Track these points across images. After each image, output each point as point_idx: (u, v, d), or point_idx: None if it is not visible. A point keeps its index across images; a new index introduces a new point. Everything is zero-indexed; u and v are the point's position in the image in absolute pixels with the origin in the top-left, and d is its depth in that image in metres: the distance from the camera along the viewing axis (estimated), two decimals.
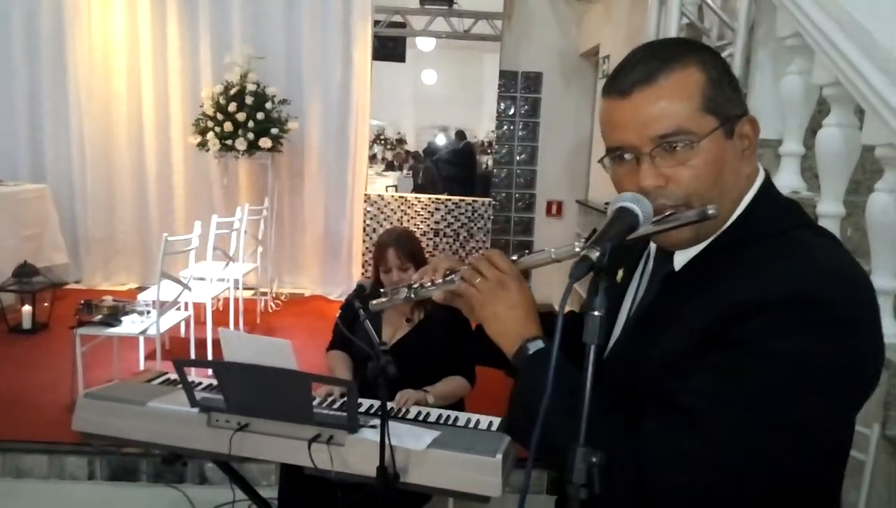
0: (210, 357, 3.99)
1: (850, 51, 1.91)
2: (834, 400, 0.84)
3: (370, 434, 1.78)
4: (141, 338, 3.57)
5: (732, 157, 0.93)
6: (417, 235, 2.81)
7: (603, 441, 0.76)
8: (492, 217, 5.94)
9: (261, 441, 1.83)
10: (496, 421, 2.08)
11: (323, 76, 5.73)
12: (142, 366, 3.78)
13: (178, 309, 3.93)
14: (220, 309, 4.93)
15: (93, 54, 5.66)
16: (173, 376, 2.18)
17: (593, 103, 5.91)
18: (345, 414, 1.84)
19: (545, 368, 0.78)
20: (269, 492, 2.33)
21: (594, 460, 0.75)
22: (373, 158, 6.10)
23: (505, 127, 6.15)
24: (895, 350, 1.80)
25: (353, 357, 2.51)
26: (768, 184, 0.98)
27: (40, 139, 5.73)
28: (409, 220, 5.86)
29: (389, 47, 6.03)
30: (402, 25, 5.95)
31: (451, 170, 6.22)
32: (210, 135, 5.10)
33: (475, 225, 5.90)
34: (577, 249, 0.97)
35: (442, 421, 2.07)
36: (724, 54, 2.48)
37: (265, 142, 5.09)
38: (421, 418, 2.10)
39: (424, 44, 6.03)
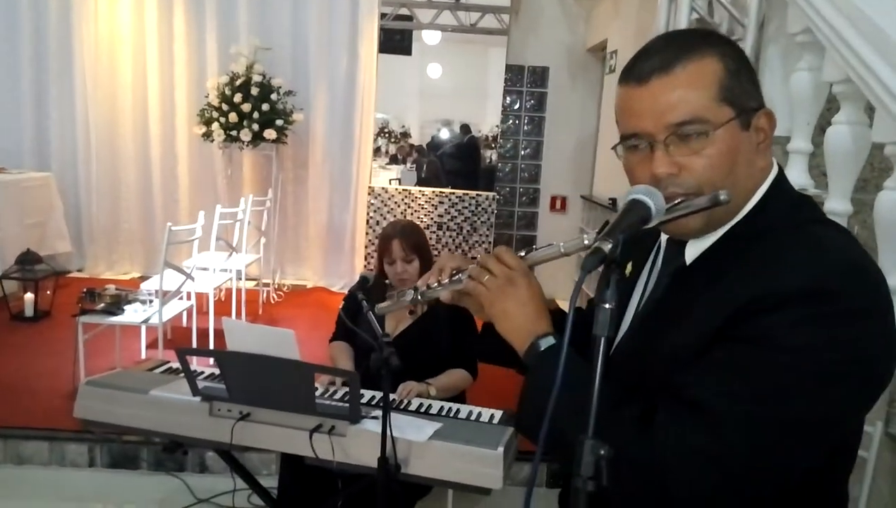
0: (212, 347, 3.99)
1: (862, 47, 1.89)
2: (848, 393, 0.83)
3: (372, 426, 1.78)
4: (143, 327, 3.57)
5: (747, 149, 0.92)
6: None
7: (614, 435, 0.76)
8: (495, 211, 5.93)
9: (262, 430, 1.83)
10: (497, 413, 2.08)
11: (329, 68, 5.72)
12: (143, 355, 3.78)
13: (181, 298, 3.93)
14: (223, 299, 4.94)
15: (99, 43, 5.65)
16: (175, 365, 2.18)
17: (599, 99, 5.89)
18: (347, 404, 1.84)
19: (557, 364, 0.78)
20: (270, 482, 2.33)
21: (602, 452, 0.74)
22: (376, 151, 6.09)
23: (510, 121, 6.13)
24: None
25: (355, 348, 2.50)
26: (782, 179, 0.97)
27: (46, 127, 5.73)
28: (412, 214, 5.85)
29: (395, 40, 6.01)
30: (409, 18, 5.92)
31: (454, 164, 6.20)
32: (215, 125, 5.10)
33: (479, 219, 5.89)
34: (587, 242, 0.96)
35: (444, 414, 2.07)
36: None
37: (270, 134, 5.09)
38: (423, 410, 2.09)
39: (431, 37, 6.01)
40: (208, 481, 2.93)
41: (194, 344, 3.99)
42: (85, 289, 3.51)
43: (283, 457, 2.23)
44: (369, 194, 5.84)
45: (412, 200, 5.88)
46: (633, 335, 1.02)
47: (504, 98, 6.01)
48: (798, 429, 0.82)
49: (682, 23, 2.86)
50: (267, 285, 5.48)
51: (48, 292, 4.68)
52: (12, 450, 3.01)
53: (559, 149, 6.11)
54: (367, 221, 5.86)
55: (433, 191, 5.89)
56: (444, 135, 6.21)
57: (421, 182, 6.15)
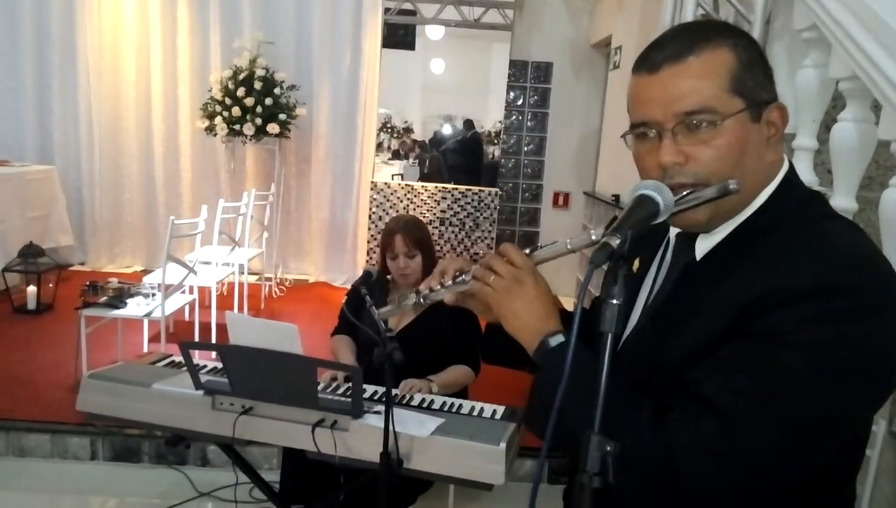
0: (214, 341, 3.99)
1: (869, 44, 1.88)
2: (858, 390, 0.83)
3: (374, 420, 1.78)
4: (145, 321, 3.57)
5: (757, 142, 0.91)
6: None
7: (625, 431, 0.75)
8: (498, 207, 5.93)
9: (265, 424, 1.82)
10: (500, 409, 2.07)
11: (332, 62, 5.71)
12: (146, 349, 3.79)
13: (183, 292, 3.93)
14: (225, 293, 4.94)
15: (102, 36, 5.64)
16: (178, 358, 2.18)
17: (603, 94, 5.87)
18: (349, 399, 1.84)
19: (566, 360, 0.77)
20: (271, 475, 2.33)
21: (608, 449, 0.73)
22: (379, 146, 6.09)
23: (514, 117, 6.12)
24: None
25: (358, 343, 2.50)
26: (792, 174, 0.96)
27: (49, 121, 5.72)
28: (415, 209, 5.85)
29: (399, 35, 6.00)
30: (413, 13, 5.91)
31: (457, 159, 6.20)
32: (218, 119, 5.09)
33: (481, 214, 5.88)
34: (594, 237, 0.95)
35: (446, 409, 2.06)
36: None
37: (273, 128, 5.08)
38: (425, 405, 2.09)
39: (434, 32, 6.00)
40: (210, 474, 2.94)
41: (196, 338, 4.00)
42: (88, 282, 3.51)
43: (284, 451, 2.23)
44: (372, 189, 5.84)
45: (415, 196, 5.87)
46: (641, 331, 1.02)
47: (507, 93, 6.00)
48: (807, 426, 0.81)
49: (688, 18, 2.84)
50: (269, 279, 5.48)
51: (51, 285, 4.68)
52: (15, 443, 3.02)
53: (562, 145, 6.10)
54: (370, 216, 5.86)
55: (436, 187, 5.88)
56: (447, 130, 6.21)
57: (423, 177, 6.15)
